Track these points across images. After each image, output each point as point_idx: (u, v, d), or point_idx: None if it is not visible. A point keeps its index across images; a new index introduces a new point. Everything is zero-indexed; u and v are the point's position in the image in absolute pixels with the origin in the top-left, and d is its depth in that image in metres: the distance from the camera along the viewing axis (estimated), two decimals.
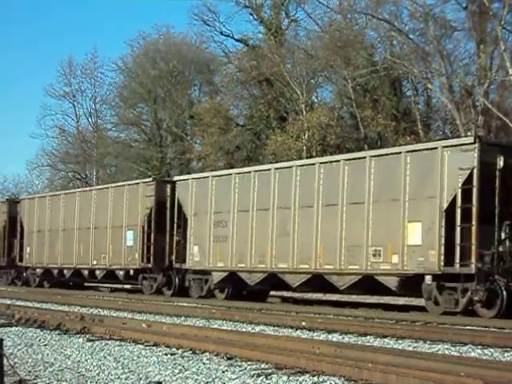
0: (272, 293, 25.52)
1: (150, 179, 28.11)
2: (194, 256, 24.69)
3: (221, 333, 12.50)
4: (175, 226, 25.86)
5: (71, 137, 61.45)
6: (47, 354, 10.80)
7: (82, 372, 9.21)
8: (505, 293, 16.66)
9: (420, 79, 39.14)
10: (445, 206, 17.32)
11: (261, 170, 23.30)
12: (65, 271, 31.39)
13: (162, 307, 19.98)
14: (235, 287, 24.02)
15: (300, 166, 21.96)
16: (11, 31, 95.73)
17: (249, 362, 9.40)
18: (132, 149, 53.66)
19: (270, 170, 22.72)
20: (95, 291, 31.13)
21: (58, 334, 13.11)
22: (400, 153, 18.81)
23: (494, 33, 35.06)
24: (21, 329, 14.11)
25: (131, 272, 27.32)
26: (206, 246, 24.16)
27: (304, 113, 40.56)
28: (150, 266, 26.45)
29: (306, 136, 39.45)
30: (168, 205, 26.19)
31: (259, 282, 22.68)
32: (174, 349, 10.83)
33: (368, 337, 12.89)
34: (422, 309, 18.92)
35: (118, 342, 11.77)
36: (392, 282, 18.63)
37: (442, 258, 17.25)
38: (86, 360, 10.11)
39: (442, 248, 17.25)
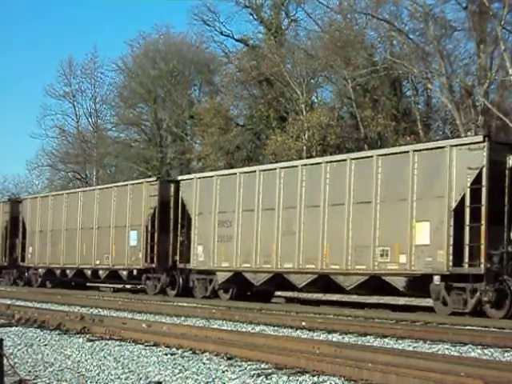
0: (276, 293, 25.44)
1: (154, 179, 28.01)
2: (199, 256, 24.57)
3: (221, 333, 12.51)
4: (179, 225, 25.71)
5: (71, 137, 61.63)
6: (47, 354, 10.82)
7: (82, 372, 9.22)
8: None
9: (420, 79, 39.19)
10: (453, 205, 17.22)
11: (266, 170, 23.11)
12: (67, 271, 31.31)
13: (161, 307, 19.97)
14: (240, 287, 23.88)
15: (306, 165, 21.84)
16: (11, 31, 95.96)
17: (249, 362, 9.42)
18: (132, 149, 53.65)
19: (275, 169, 22.56)
20: (97, 291, 31.04)
21: (58, 334, 13.12)
22: (408, 152, 18.68)
23: (494, 33, 35.12)
24: (21, 329, 14.11)
25: (135, 272, 27.26)
26: (211, 245, 24.03)
27: (304, 113, 40.58)
28: (153, 266, 26.37)
29: (306, 136, 39.46)
30: (172, 204, 26.12)
31: (264, 282, 22.55)
32: (173, 349, 10.85)
33: (368, 337, 12.90)
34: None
35: (117, 342, 11.78)
36: (399, 283, 18.52)
37: (451, 258, 17.14)
38: (86, 360, 10.12)
39: (451, 248, 17.14)
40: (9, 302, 21.01)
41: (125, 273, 27.84)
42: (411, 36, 38.37)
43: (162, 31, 55.03)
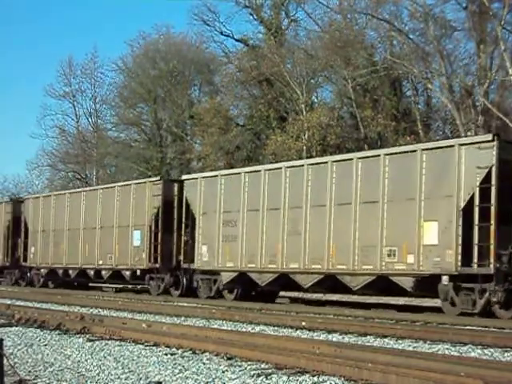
0: (280, 293, 25.41)
1: (157, 178, 27.90)
2: (203, 256, 24.48)
3: (221, 333, 12.53)
4: (183, 225, 25.65)
5: (71, 137, 61.57)
6: (47, 354, 10.83)
7: (82, 372, 9.24)
8: None
9: (420, 79, 39.21)
10: (462, 204, 17.17)
11: (271, 169, 22.99)
12: (70, 271, 31.24)
13: (161, 307, 20.00)
14: (244, 288, 23.80)
15: (312, 164, 21.73)
16: (11, 31, 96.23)
17: (249, 362, 9.45)
18: (132, 149, 53.58)
19: (280, 168, 22.43)
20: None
21: (58, 334, 13.14)
22: (416, 151, 18.58)
23: (494, 33, 35.14)
24: (21, 329, 14.14)
25: (138, 272, 27.16)
26: (215, 245, 23.94)
27: (304, 113, 40.57)
28: (157, 266, 26.30)
29: (306, 136, 39.46)
30: (175, 204, 26.05)
31: (270, 282, 22.45)
32: (174, 349, 10.89)
33: (368, 337, 12.93)
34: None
35: (117, 342, 11.81)
36: (407, 283, 18.43)
37: (460, 258, 17.06)
38: (86, 360, 10.14)
39: (460, 248, 17.06)
40: (9, 301, 21.02)
41: (128, 273, 27.78)
42: (411, 36, 38.41)
43: (162, 31, 55.21)
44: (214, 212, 24.14)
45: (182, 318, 16.86)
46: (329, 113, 40.37)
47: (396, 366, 8.11)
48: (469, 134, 33.76)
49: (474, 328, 14.07)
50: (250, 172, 23.69)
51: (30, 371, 9.35)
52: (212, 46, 51.01)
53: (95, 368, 9.44)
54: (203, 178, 25.30)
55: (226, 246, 23.65)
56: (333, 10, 42.62)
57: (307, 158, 34.51)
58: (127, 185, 29.22)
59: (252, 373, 8.69)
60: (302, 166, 21.85)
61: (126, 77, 55.66)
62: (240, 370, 8.94)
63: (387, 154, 19.36)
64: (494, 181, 16.67)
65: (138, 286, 29.85)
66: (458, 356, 10.26)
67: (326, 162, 21.08)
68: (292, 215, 21.60)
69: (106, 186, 31.92)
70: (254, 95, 45.50)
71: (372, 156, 20.01)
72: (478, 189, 16.91)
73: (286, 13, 47.39)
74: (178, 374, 8.84)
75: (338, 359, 8.81)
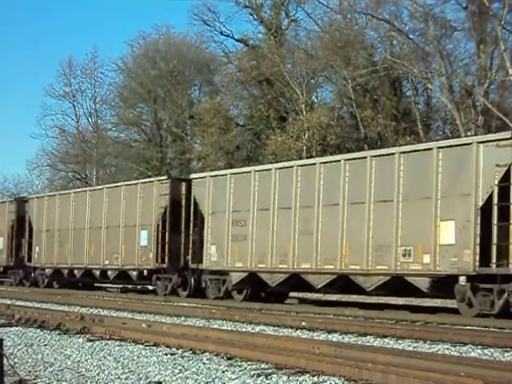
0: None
1: (165, 177, 27.63)
2: (212, 256, 24.17)
3: (221, 333, 12.53)
4: (191, 224, 25.32)
5: (71, 137, 61.47)
6: (47, 354, 10.84)
7: (82, 372, 9.26)
8: None
9: (420, 79, 39.34)
10: (480, 203, 16.87)
11: (282, 168, 22.61)
12: (75, 271, 30.94)
13: (162, 307, 19.96)
14: (254, 288, 23.47)
15: (324, 162, 21.38)
16: (11, 31, 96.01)
17: (249, 362, 9.47)
18: (132, 149, 53.54)
19: (292, 167, 22.10)
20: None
21: (58, 334, 13.14)
22: (431, 149, 18.27)
23: (494, 33, 35.30)
24: (21, 329, 14.13)
25: (145, 272, 26.85)
26: (224, 245, 23.62)
27: (304, 113, 40.64)
28: (164, 266, 25.99)
29: (306, 136, 39.53)
30: (183, 203, 25.76)
31: (280, 282, 22.09)
32: (174, 349, 10.90)
33: (368, 337, 12.94)
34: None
35: (118, 342, 11.82)
36: (423, 283, 18.08)
37: (477, 258, 16.78)
38: (86, 360, 10.15)
39: (478, 247, 16.78)
40: (9, 301, 20.96)
41: (135, 273, 27.48)
42: (411, 36, 38.55)
43: (162, 31, 55.23)
44: (223, 211, 23.84)
45: (182, 318, 16.84)
46: (329, 113, 40.46)
47: (396, 366, 8.12)
48: (469, 133, 33.90)
49: (474, 328, 14.07)
50: (261, 171, 23.37)
51: (29, 371, 9.36)
52: (212, 46, 51.23)
53: (95, 368, 9.45)
54: (212, 176, 24.96)
55: (236, 246, 23.34)
56: (333, 10, 42.80)
57: (307, 158, 34.56)
58: (134, 184, 28.91)
59: (252, 373, 8.70)
60: (315, 164, 21.53)
61: (126, 77, 55.73)
62: (240, 370, 8.95)
63: (402, 153, 19.09)
64: None
65: (138, 287, 29.74)
66: (458, 356, 10.27)
67: (339, 161, 20.78)
68: (304, 214, 21.31)
69: (112, 185, 31.57)
70: (253, 95, 45.54)
71: (386, 154, 19.66)
72: (496, 187, 16.64)
73: (286, 13, 47.52)
74: (178, 373, 8.86)
75: (338, 359, 8.82)
